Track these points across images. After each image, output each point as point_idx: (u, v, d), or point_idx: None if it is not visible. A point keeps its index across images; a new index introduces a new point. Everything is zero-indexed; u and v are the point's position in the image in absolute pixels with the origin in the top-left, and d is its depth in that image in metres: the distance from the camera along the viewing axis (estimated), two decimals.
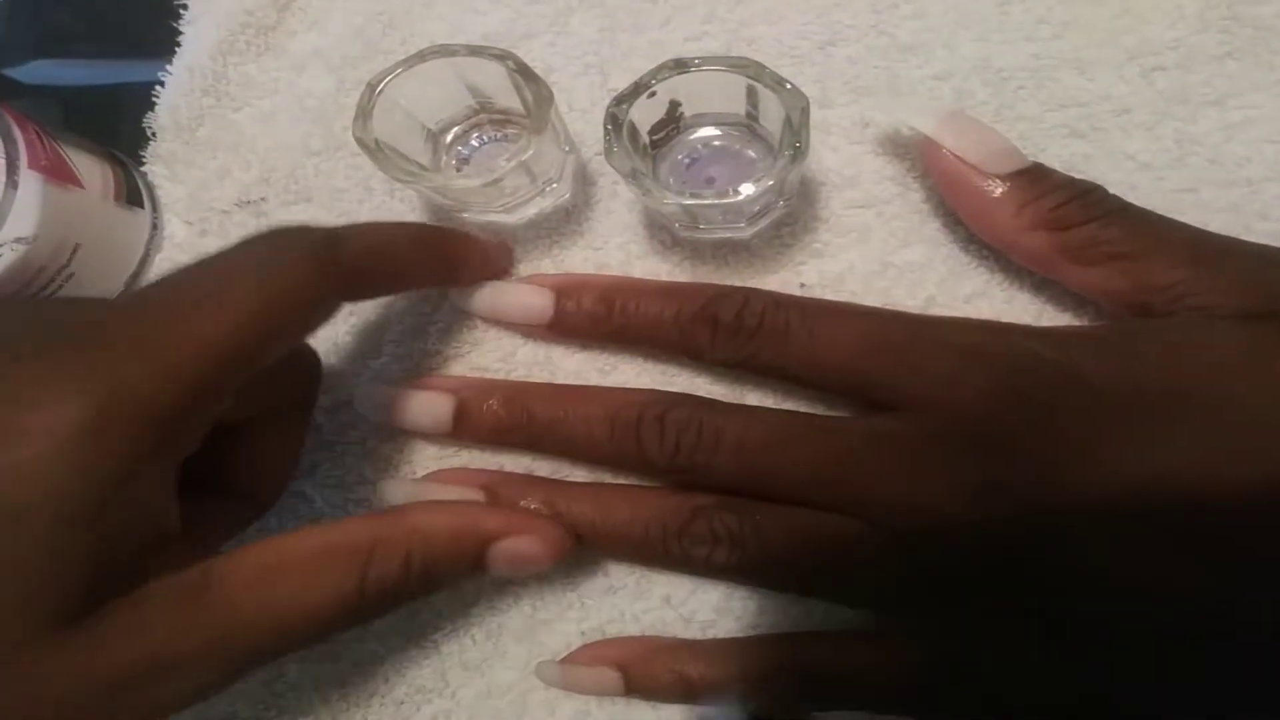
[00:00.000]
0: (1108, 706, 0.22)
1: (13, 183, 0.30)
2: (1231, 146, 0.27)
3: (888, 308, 0.27)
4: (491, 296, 0.29)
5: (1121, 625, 0.22)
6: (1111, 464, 0.21)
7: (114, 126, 0.36)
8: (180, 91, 0.36)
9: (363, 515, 0.24)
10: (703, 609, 0.27)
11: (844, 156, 0.30)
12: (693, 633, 0.27)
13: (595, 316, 0.27)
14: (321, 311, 0.23)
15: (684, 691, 0.25)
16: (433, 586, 0.23)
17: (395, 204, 0.32)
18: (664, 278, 0.30)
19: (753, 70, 0.26)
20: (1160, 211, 0.25)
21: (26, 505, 0.17)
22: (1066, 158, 0.28)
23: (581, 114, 0.32)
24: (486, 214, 0.31)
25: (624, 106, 0.26)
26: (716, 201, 0.25)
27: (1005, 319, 0.27)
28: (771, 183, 0.25)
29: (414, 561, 0.22)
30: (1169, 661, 0.22)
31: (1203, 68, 0.29)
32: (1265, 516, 0.21)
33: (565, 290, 0.28)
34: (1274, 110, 0.28)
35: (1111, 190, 0.25)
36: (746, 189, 0.25)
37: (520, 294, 0.28)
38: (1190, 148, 0.28)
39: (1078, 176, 0.25)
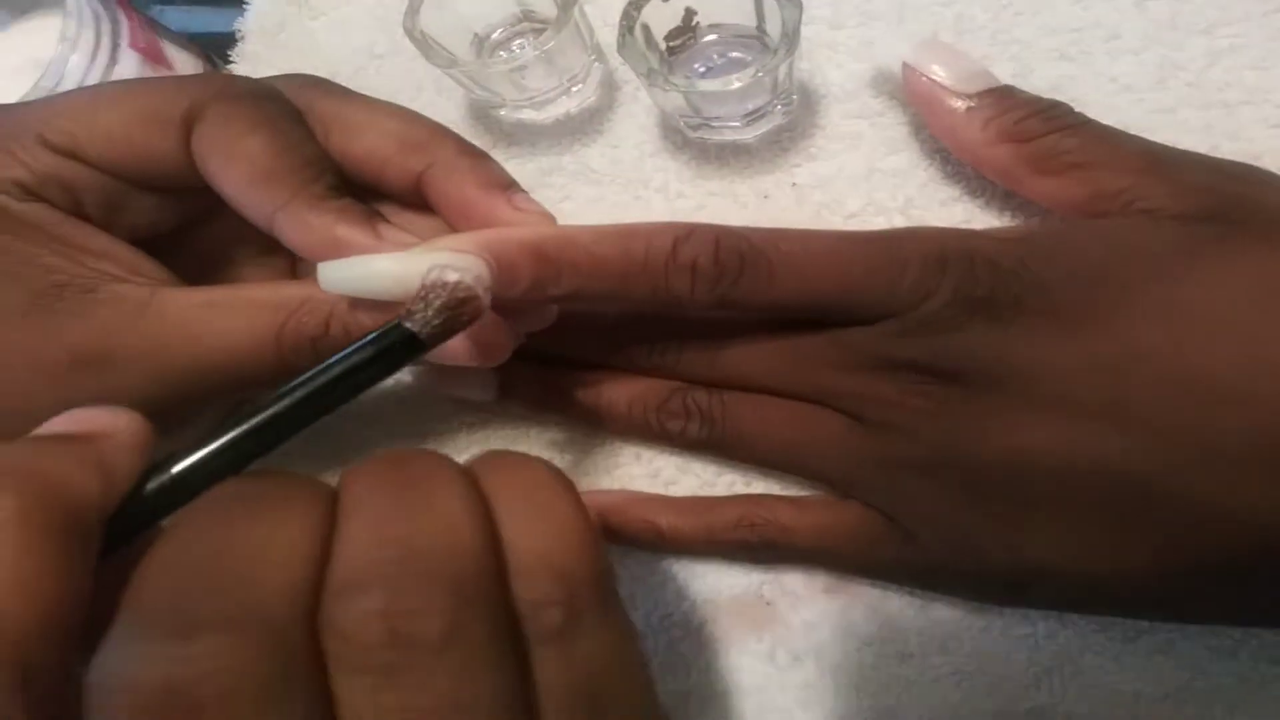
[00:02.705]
0: (1045, 578, 0.24)
1: (114, 58, 0.35)
2: (1214, 72, 0.29)
3: (840, 229, 0.27)
4: (375, 267, 0.23)
5: (1060, 502, 0.23)
6: (1056, 353, 0.23)
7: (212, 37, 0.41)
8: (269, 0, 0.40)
9: (303, 279, 0.26)
10: (667, 467, 0.30)
11: (847, 73, 0.32)
12: (657, 487, 0.29)
13: (540, 279, 0.24)
14: None
15: (653, 539, 0.28)
16: None
17: (442, 101, 0.36)
18: (671, 176, 0.32)
19: None
20: (1136, 131, 0.26)
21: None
22: (1053, 79, 0.30)
23: (614, 29, 0.35)
24: (519, 111, 0.34)
25: (640, 6, 0.29)
26: (710, 89, 0.28)
27: (977, 222, 0.29)
28: (761, 74, 0.27)
29: (334, 324, 0.24)
30: (1106, 536, 0.23)
31: None
32: (1197, 399, 0.22)
33: (491, 249, 0.23)
34: (1260, 39, 0.28)
35: (1090, 110, 0.26)
36: (745, 76, 0.27)
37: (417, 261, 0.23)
38: (1173, 72, 0.29)
39: (1062, 97, 0.27)
